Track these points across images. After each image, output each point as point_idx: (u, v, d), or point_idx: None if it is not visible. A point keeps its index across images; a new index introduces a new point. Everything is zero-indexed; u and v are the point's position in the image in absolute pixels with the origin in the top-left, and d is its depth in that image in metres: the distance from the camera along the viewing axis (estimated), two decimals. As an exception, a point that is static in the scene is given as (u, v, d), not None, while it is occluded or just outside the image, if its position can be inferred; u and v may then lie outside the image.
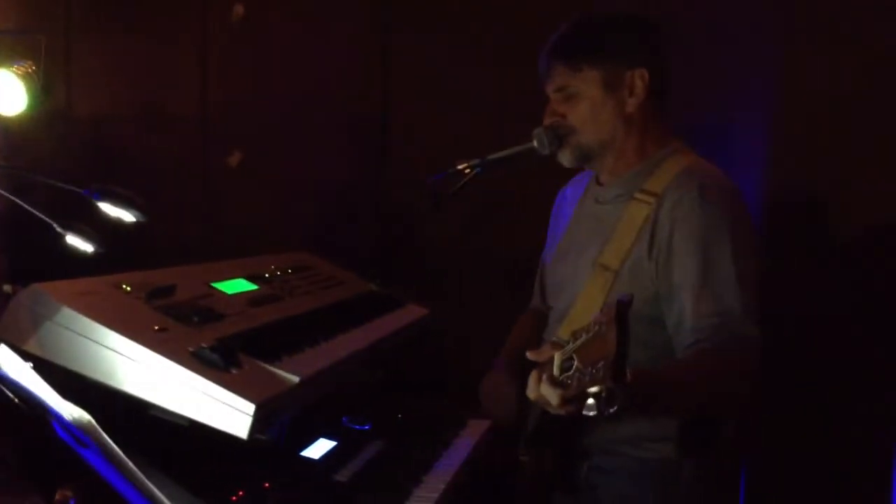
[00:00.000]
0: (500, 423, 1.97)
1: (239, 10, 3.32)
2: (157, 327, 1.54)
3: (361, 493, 1.75)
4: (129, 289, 1.66)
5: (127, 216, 1.80)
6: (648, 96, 1.81)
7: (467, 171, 2.08)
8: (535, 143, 1.88)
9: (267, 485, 1.66)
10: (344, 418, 2.12)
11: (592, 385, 1.13)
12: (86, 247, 1.77)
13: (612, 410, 1.17)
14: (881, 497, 2.62)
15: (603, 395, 1.12)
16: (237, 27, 3.35)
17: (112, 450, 1.07)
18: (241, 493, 1.60)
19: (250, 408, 1.39)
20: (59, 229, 1.74)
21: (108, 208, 1.78)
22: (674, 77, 1.87)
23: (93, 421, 1.10)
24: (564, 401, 1.24)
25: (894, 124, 2.63)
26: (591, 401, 1.14)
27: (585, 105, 1.82)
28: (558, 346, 1.31)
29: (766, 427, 2.46)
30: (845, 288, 2.66)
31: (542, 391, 1.27)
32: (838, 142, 2.67)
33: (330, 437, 1.96)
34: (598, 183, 1.94)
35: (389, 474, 1.86)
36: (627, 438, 1.76)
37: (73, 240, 1.76)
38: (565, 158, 1.89)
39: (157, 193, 3.24)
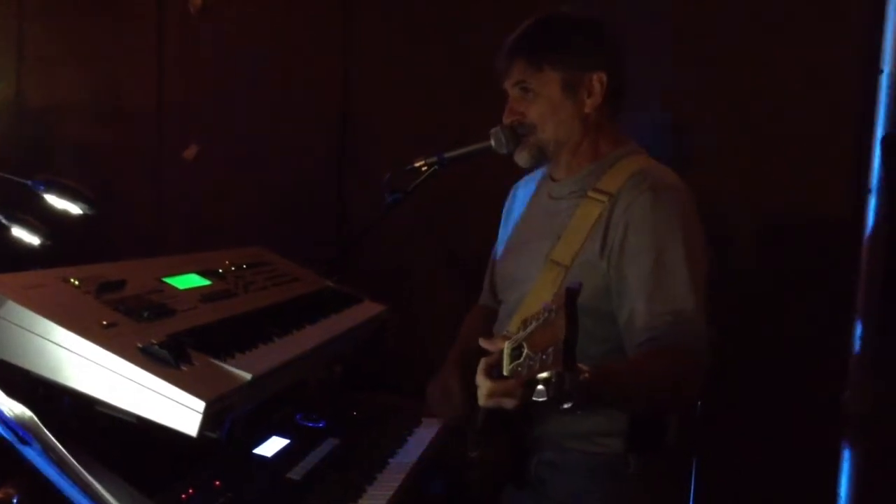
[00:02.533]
0: (450, 420, 1.97)
1: (196, 0, 3.28)
2: (105, 322, 1.50)
3: (314, 492, 1.74)
4: (77, 283, 1.62)
5: (73, 208, 1.76)
6: (605, 98, 1.83)
7: (424, 168, 2.09)
8: (492, 143, 1.90)
9: (218, 483, 1.64)
10: (297, 416, 2.10)
11: (542, 371, 1.13)
12: (32, 239, 1.73)
13: (566, 406, 1.17)
14: (828, 490, 2.68)
15: (553, 380, 1.12)
16: (196, 18, 3.31)
17: (54, 447, 1.05)
18: (191, 491, 1.59)
19: (200, 405, 1.37)
20: (3, 221, 1.69)
21: (54, 200, 1.74)
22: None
23: (34, 417, 1.08)
24: (513, 391, 1.24)
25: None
26: (540, 387, 1.14)
27: (544, 104, 1.84)
28: (509, 338, 1.31)
29: (714, 423, 2.50)
30: (791, 284, 2.71)
31: (488, 387, 1.27)
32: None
33: (283, 435, 1.95)
34: (552, 179, 1.96)
35: (343, 472, 1.84)
36: (577, 433, 1.77)
37: (18, 232, 1.72)
38: (522, 159, 1.91)
39: (110, 186, 3.20)
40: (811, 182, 2.70)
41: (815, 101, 2.67)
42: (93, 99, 3.45)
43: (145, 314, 1.61)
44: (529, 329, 1.21)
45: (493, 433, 1.78)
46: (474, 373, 1.36)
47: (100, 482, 1.14)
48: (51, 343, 1.42)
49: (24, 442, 1.06)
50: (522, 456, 1.84)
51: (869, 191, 2.61)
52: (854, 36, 2.64)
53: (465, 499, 1.88)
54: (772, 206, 2.76)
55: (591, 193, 1.80)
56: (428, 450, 2.07)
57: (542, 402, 1.15)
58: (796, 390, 2.67)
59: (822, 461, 2.68)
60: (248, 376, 1.54)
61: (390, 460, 1.97)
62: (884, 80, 2.58)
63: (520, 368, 1.21)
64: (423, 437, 2.14)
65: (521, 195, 2.09)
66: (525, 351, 1.20)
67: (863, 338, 2.63)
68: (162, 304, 1.71)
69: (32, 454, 1.07)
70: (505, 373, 1.27)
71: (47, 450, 1.04)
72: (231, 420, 1.51)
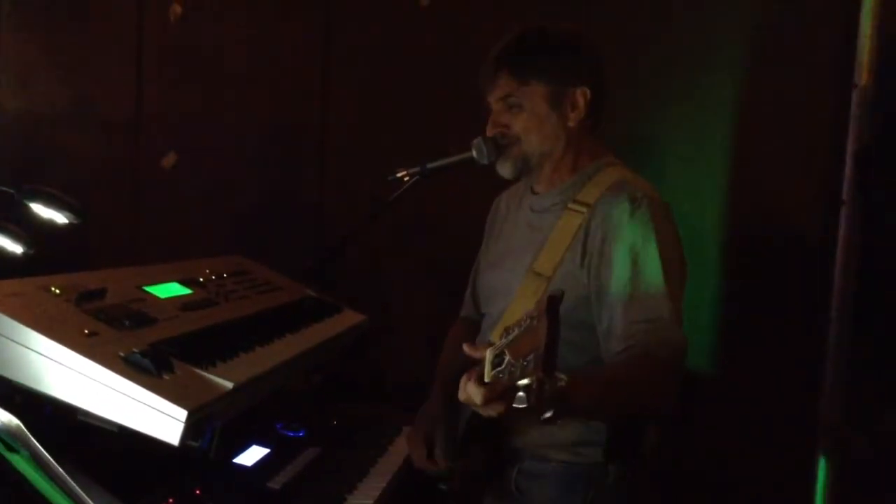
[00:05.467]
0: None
1: (176, 9, 3.28)
2: (86, 331, 1.50)
3: (295, 501, 1.74)
4: (58, 291, 1.62)
5: (59, 217, 1.75)
6: (588, 113, 1.85)
7: (406, 178, 2.10)
8: (473, 153, 1.91)
9: (198, 492, 1.64)
10: (278, 425, 2.10)
11: (523, 377, 1.14)
12: (14, 248, 1.72)
13: (547, 416, 1.18)
14: (803, 499, 2.71)
15: (533, 386, 1.13)
16: (174, 27, 3.30)
17: (42, 455, 1.05)
18: (171, 500, 1.58)
19: (182, 414, 1.37)
20: (-16, 230, 1.69)
21: (40, 209, 1.74)
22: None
23: (21, 426, 1.08)
24: (493, 397, 1.25)
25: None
26: (521, 393, 1.14)
27: (530, 117, 1.85)
28: (491, 346, 1.32)
29: (689, 432, 2.53)
30: (764, 295, 2.75)
31: (469, 390, 1.28)
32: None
33: (263, 444, 1.95)
34: (533, 192, 1.97)
35: (323, 481, 1.85)
36: (556, 443, 1.79)
37: (1, 240, 1.71)
38: (505, 169, 1.92)
39: (89, 194, 3.17)
40: (784, 194, 2.74)
41: (789, 114, 2.71)
42: (71, 107, 3.42)
43: (126, 323, 1.62)
44: (511, 336, 1.22)
45: (473, 443, 1.79)
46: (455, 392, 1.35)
47: (83, 491, 1.14)
48: (32, 352, 1.42)
49: (11, 450, 1.05)
50: (502, 466, 1.85)
51: (842, 203, 2.65)
52: (827, 50, 2.68)
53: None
54: (745, 218, 2.80)
55: (571, 205, 1.82)
56: (409, 458, 2.08)
57: (522, 409, 1.15)
58: (770, 398, 2.70)
59: (798, 469, 2.71)
60: (229, 385, 1.54)
61: (371, 469, 1.98)
62: (856, 95, 2.63)
63: (501, 375, 1.22)
64: (403, 445, 2.15)
65: (504, 207, 2.11)
66: (507, 358, 1.21)
67: (836, 347, 2.67)
68: (143, 313, 1.71)
69: (20, 462, 1.06)
70: (486, 380, 1.27)
71: (36, 458, 1.04)
72: (212, 429, 1.51)
